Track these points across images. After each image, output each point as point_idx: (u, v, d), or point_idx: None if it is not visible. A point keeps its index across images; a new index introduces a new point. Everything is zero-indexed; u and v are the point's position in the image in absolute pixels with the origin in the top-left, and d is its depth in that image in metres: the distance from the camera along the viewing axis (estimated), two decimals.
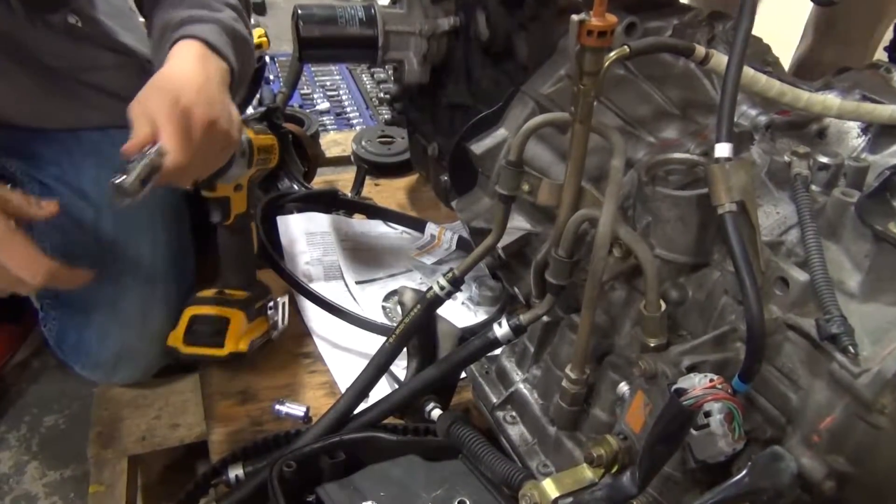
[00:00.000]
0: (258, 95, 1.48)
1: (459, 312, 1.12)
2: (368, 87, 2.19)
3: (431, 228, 1.30)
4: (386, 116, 1.38)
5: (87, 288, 0.88)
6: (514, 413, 0.83)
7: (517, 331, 0.75)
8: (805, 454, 0.58)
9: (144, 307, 0.95)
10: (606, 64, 0.61)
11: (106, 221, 0.94)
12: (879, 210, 0.57)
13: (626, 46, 0.63)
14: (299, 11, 0.99)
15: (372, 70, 2.26)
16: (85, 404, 1.17)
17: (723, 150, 0.60)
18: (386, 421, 0.86)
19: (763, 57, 0.84)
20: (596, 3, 0.57)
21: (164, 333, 0.96)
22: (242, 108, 1.43)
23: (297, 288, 1.09)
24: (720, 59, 0.65)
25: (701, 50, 0.65)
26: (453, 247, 1.27)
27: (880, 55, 0.88)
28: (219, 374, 1.02)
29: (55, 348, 0.98)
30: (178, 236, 1.01)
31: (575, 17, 0.58)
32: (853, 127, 0.73)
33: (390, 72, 1.99)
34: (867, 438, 0.55)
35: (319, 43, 1.01)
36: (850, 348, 0.54)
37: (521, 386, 0.83)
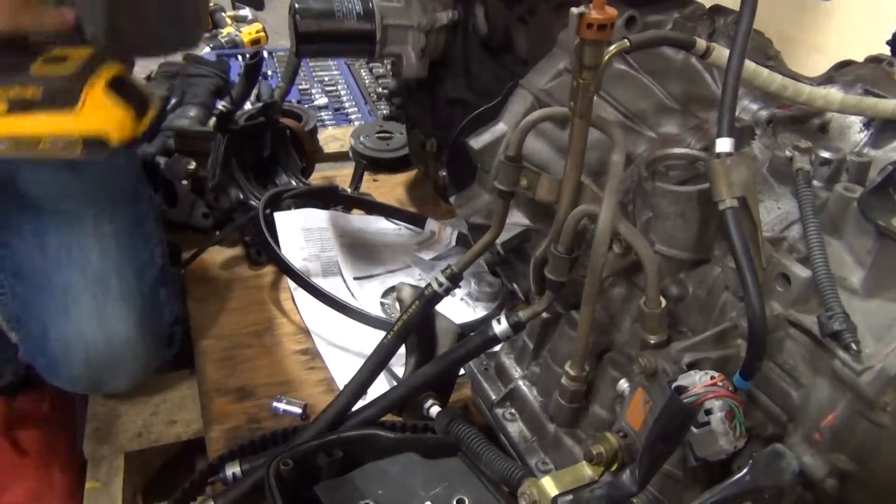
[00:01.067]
0: (256, 91, 1.48)
1: (458, 309, 1.12)
2: (367, 82, 2.18)
3: (431, 224, 1.29)
4: (384, 112, 1.37)
5: (40, 304, 0.86)
6: (513, 410, 0.83)
7: (516, 327, 0.74)
8: (807, 452, 0.58)
9: (99, 309, 0.89)
10: (606, 58, 0.60)
11: (48, 228, 0.88)
12: (882, 205, 0.56)
13: (626, 40, 0.62)
14: (296, 6, 0.98)
15: (371, 65, 2.24)
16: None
17: (724, 144, 0.59)
18: (384, 418, 0.86)
19: (765, 51, 0.83)
20: None
21: (132, 334, 0.91)
22: (240, 102, 1.42)
23: (298, 281, 1.08)
24: (721, 53, 0.64)
25: (702, 43, 0.65)
26: (453, 243, 1.26)
27: (883, 49, 0.86)
28: (216, 370, 1.01)
29: (41, 374, 0.94)
30: (132, 226, 0.94)
31: (574, 10, 0.57)
32: (855, 121, 0.73)
33: (389, 67, 1.98)
34: (869, 436, 0.54)
35: (316, 37, 1.00)
36: (853, 345, 0.54)
37: (521, 383, 0.83)
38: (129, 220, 0.94)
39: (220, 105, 1.26)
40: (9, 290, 0.90)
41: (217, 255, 1.25)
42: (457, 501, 0.72)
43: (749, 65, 0.65)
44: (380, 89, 2.09)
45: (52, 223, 0.88)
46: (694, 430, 0.56)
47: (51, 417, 1.04)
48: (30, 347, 0.93)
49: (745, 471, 0.54)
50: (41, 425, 1.02)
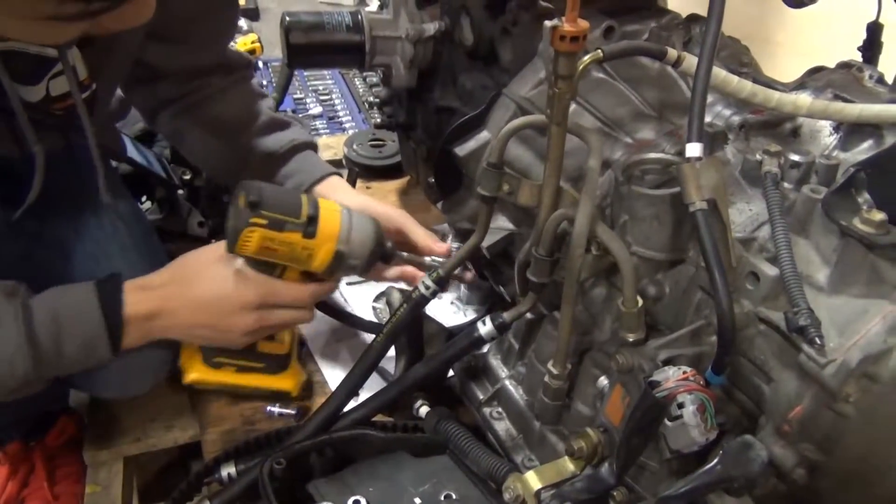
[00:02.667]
0: None
1: (448, 312, 1.14)
2: (361, 90, 2.20)
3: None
4: (378, 120, 1.40)
5: None
6: (500, 409, 0.85)
7: (501, 328, 0.77)
8: (777, 443, 0.60)
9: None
10: (580, 68, 0.62)
11: (68, 236, 0.93)
12: (845, 206, 0.59)
13: (599, 51, 0.65)
14: (287, 18, 1.01)
15: (364, 74, 2.27)
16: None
17: (694, 149, 0.62)
18: (375, 418, 0.88)
19: (739, 58, 0.86)
20: (568, 8, 0.59)
21: (159, 353, 0.93)
22: None
23: None
24: (692, 61, 0.66)
25: (673, 53, 0.67)
26: None
27: (854, 55, 0.89)
28: None
29: (73, 384, 0.97)
30: (146, 235, 1.01)
31: (548, 23, 0.60)
32: (826, 125, 0.75)
33: (380, 76, 2.01)
34: (834, 427, 0.57)
35: (307, 49, 1.02)
36: (817, 340, 0.56)
37: (507, 382, 0.85)
38: (143, 229, 1.00)
39: None
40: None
41: None
42: (444, 497, 0.74)
43: (719, 72, 0.68)
44: (372, 98, 2.11)
45: (75, 233, 0.91)
46: (668, 423, 0.58)
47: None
48: None
49: (715, 461, 0.56)
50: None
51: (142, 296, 0.76)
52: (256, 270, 0.78)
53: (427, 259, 0.91)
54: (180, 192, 1.26)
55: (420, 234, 0.92)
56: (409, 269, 0.91)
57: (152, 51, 0.92)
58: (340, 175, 0.97)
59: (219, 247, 0.78)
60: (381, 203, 0.94)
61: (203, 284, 0.78)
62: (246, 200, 0.74)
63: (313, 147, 0.99)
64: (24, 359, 0.70)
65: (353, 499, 0.72)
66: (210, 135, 0.98)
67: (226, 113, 0.98)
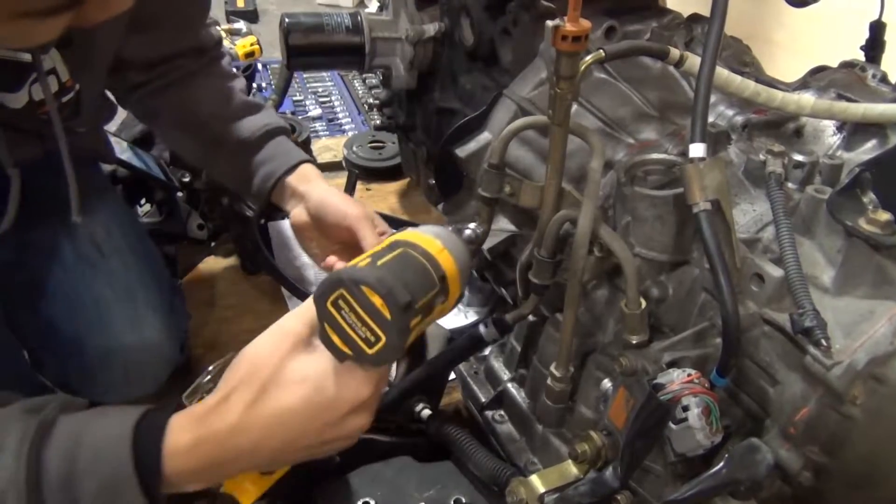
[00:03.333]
0: None
1: (450, 314, 1.13)
2: (360, 92, 2.20)
3: None
4: (377, 121, 1.40)
5: (71, 318, 0.88)
6: (502, 412, 0.85)
7: (502, 330, 0.76)
8: (783, 446, 0.60)
9: (132, 317, 0.93)
10: (582, 68, 0.62)
11: (63, 243, 0.92)
12: (850, 206, 0.59)
13: (601, 50, 0.64)
14: (286, 20, 1.01)
15: (364, 75, 2.27)
16: None
17: (697, 150, 0.61)
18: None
19: (741, 58, 0.86)
20: (570, 8, 0.58)
21: (162, 339, 0.94)
22: None
23: (291, 289, 1.10)
24: (694, 62, 0.66)
25: (675, 52, 0.67)
26: None
27: (856, 54, 0.89)
28: None
29: (58, 386, 0.95)
30: (141, 238, 1.01)
31: (550, 23, 0.60)
32: (829, 125, 0.75)
33: (380, 77, 2.00)
34: (840, 429, 0.56)
35: (307, 51, 1.02)
36: (823, 341, 0.55)
37: (509, 385, 0.85)
38: (137, 232, 1.00)
39: None
40: (28, 310, 0.91)
41: (212, 264, 1.27)
42: (454, 502, 0.74)
43: (722, 72, 0.67)
44: (372, 99, 2.11)
45: (66, 238, 0.91)
46: (672, 426, 0.58)
47: None
48: (60, 363, 0.94)
49: (721, 464, 0.56)
50: None
51: (187, 421, 0.56)
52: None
53: None
54: (179, 194, 1.26)
55: (370, 242, 0.80)
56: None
57: (125, 40, 0.89)
58: (312, 162, 0.93)
59: (284, 334, 0.57)
60: (340, 195, 0.86)
61: (289, 391, 0.55)
62: (393, 304, 0.53)
63: (286, 132, 0.95)
64: (17, 499, 0.50)
65: (361, 501, 0.72)
66: (181, 118, 0.96)
67: (196, 96, 0.95)
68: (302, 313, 0.58)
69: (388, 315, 0.53)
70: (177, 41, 0.94)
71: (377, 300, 0.53)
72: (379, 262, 0.56)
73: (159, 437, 0.54)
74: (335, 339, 0.55)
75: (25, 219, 0.79)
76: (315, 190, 0.87)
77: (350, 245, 0.83)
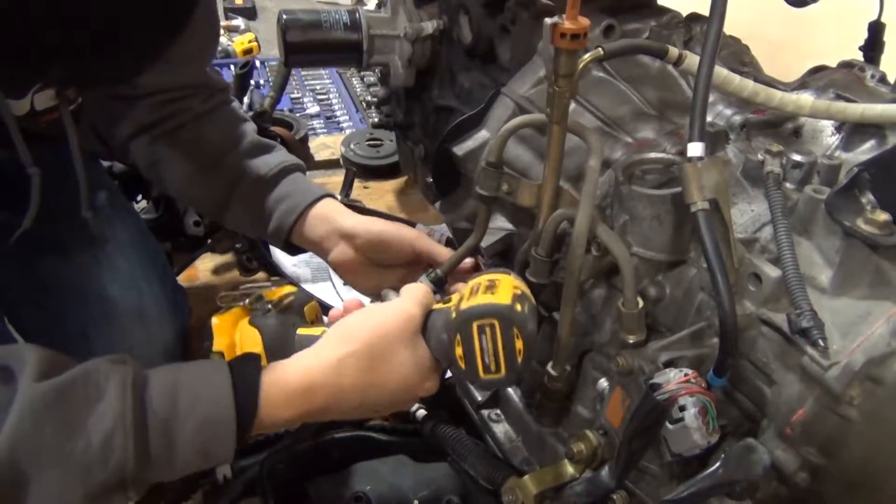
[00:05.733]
0: (247, 100, 1.50)
1: None
2: (358, 90, 2.20)
3: (421, 229, 1.31)
4: (375, 119, 1.39)
5: (77, 314, 0.89)
6: (498, 411, 0.85)
7: None
8: (779, 447, 0.59)
9: (138, 312, 0.94)
10: (580, 66, 0.62)
11: (66, 240, 0.92)
12: (848, 206, 0.58)
13: (599, 48, 0.64)
14: (284, 17, 1.00)
15: (362, 73, 2.27)
16: None
17: (695, 149, 0.61)
18: (374, 421, 0.87)
19: (740, 57, 0.85)
20: (568, 6, 0.58)
21: (167, 335, 0.95)
22: None
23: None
24: (693, 61, 0.66)
25: (674, 51, 0.67)
26: None
27: (855, 54, 0.89)
28: None
29: None
30: (143, 234, 1.01)
31: (548, 21, 0.59)
32: (828, 125, 0.74)
33: (378, 75, 2.01)
34: (837, 430, 0.56)
35: (305, 48, 1.02)
36: (820, 342, 0.55)
37: None
38: (139, 228, 1.00)
39: None
40: (32, 305, 0.91)
41: (209, 261, 1.26)
42: (446, 502, 0.74)
43: (721, 71, 0.67)
44: (370, 97, 2.11)
45: (71, 234, 0.91)
46: (669, 425, 0.58)
47: None
48: None
49: (717, 464, 0.56)
50: None
51: (298, 375, 0.61)
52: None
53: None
54: None
55: (442, 252, 0.85)
56: None
57: None
58: (335, 197, 0.92)
59: (409, 318, 0.65)
60: (387, 223, 0.87)
61: (395, 371, 0.64)
62: (528, 355, 0.63)
63: (302, 169, 0.94)
64: (123, 440, 0.52)
65: (353, 493, 0.72)
66: (192, 160, 0.92)
67: (208, 137, 0.92)
68: (422, 300, 0.67)
69: (519, 359, 0.62)
70: (184, 73, 0.91)
71: (519, 344, 0.62)
72: (518, 307, 0.62)
73: (256, 384, 0.58)
74: (458, 350, 0.63)
75: (38, 215, 0.80)
76: (351, 220, 0.86)
77: (407, 265, 0.85)
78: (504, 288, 0.64)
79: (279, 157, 0.93)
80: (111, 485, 0.52)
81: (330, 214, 0.87)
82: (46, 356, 0.55)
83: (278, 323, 0.70)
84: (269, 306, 0.73)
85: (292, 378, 0.60)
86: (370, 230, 0.85)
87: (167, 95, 0.91)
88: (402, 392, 0.65)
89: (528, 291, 0.66)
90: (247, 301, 0.73)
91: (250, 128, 0.96)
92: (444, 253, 0.85)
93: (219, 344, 0.74)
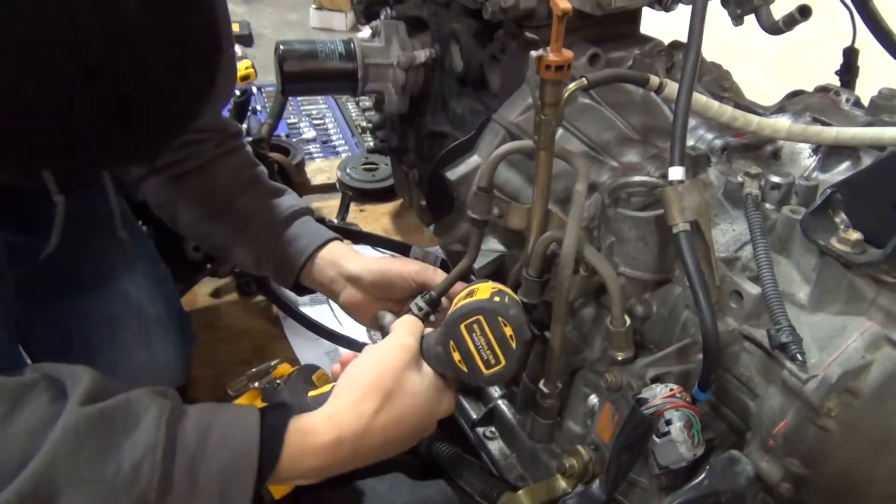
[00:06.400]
0: (245, 126, 1.53)
1: None
2: (354, 115, 2.24)
3: (416, 252, 1.34)
4: (371, 144, 1.42)
5: (83, 333, 0.91)
6: (493, 428, 0.86)
7: None
8: (763, 458, 0.62)
9: (143, 335, 0.96)
10: (565, 95, 0.65)
11: (80, 258, 0.94)
12: (822, 226, 0.61)
13: (584, 78, 0.67)
14: (281, 47, 1.03)
15: (357, 98, 2.31)
16: None
17: (676, 173, 0.64)
18: None
19: (721, 83, 0.89)
20: (552, 39, 0.61)
21: (170, 357, 0.97)
22: None
23: (286, 310, 1.12)
24: (673, 88, 0.69)
25: (655, 80, 0.70)
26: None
27: (831, 79, 0.92)
28: (207, 399, 1.04)
29: None
30: (153, 260, 1.04)
31: (534, 53, 0.62)
32: (805, 148, 0.77)
33: (372, 101, 2.04)
34: (818, 441, 0.58)
35: (301, 77, 1.05)
36: (799, 356, 0.58)
37: (500, 402, 0.86)
38: (149, 253, 1.03)
39: None
40: (42, 324, 0.93)
41: (208, 285, 1.28)
42: None
43: (700, 98, 0.70)
44: (365, 122, 2.15)
45: (84, 257, 0.93)
46: (656, 439, 0.60)
47: None
48: None
49: (702, 476, 0.58)
50: None
51: (325, 423, 0.62)
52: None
53: None
54: None
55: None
56: None
57: None
58: (342, 240, 0.94)
59: (405, 349, 0.67)
60: (390, 261, 0.91)
61: (407, 402, 0.66)
62: (521, 337, 0.66)
63: (310, 213, 0.97)
64: (151, 470, 0.54)
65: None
66: (202, 203, 0.94)
67: (219, 180, 0.95)
68: (413, 329, 0.70)
69: (514, 345, 0.65)
70: (202, 121, 0.91)
71: (509, 331, 0.65)
72: (496, 299, 0.65)
73: (282, 429, 0.60)
74: (455, 355, 0.65)
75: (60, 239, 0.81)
76: (358, 262, 0.89)
77: (412, 297, 0.87)
78: (482, 290, 0.68)
79: (290, 200, 0.95)
80: None
81: (336, 259, 0.90)
82: (98, 381, 0.57)
83: (290, 393, 0.73)
84: (279, 382, 0.76)
85: (321, 428, 0.61)
86: (373, 271, 0.88)
87: (182, 139, 0.93)
88: (422, 420, 0.67)
89: (506, 289, 0.69)
90: (256, 384, 0.76)
91: (262, 171, 0.98)
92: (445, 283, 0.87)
93: None
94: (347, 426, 0.62)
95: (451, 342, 0.65)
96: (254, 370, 0.77)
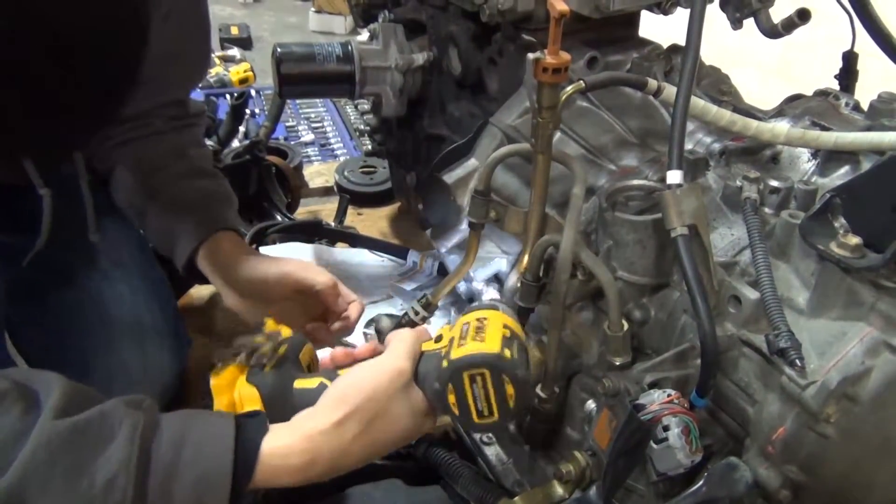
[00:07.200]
0: (243, 129, 1.52)
1: None
2: (352, 118, 2.24)
3: (413, 255, 1.33)
4: (369, 147, 1.42)
5: (79, 337, 0.90)
6: (490, 434, 0.86)
7: None
8: (762, 465, 0.61)
9: (138, 340, 0.96)
10: (563, 98, 0.64)
11: (74, 264, 0.94)
12: (821, 230, 0.60)
13: (581, 81, 0.67)
14: (278, 50, 1.03)
15: (356, 101, 2.31)
16: None
17: (674, 176, 0.63)
18: None
19: (719, 86, 0.89)
20: (550, 42, 0.61)
21: (166, 363, 0.97)
22: (227, 141, 1.47)
23: None
24: (671, 92, 0.68)
25: (653, 83, 0.69)
26: (434, 273, 1.30)
27: (831, 83, 0.92)
28: (199, 398, 1.03)
29: None
30: (148, 264, 1.03)
31: (531, 56, 0.62)
32: (804, 152, 0.77)
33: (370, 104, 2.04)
34: (816, 448, 0.58)
35: (299, 80, 1.04)
36: (798, 362, 0.57)
37: None
38: (146, 257, 1.02)
39: (208, 144, 1.30)
40: (35, 327, 0.93)
41: (204, 289, 1.27)
42: None
43: (698, 102, 0.70)
44: (363, 125, 2.15)
45: (77, 258, 0.92)
46: (653, 445, 0.59)
47: None
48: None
49: (700, 482, 0.57)
50: None
51: (300, 444, 0.61)
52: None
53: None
54: None
55: (321, 279, 0.87)
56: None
57: None
58: (241, 234, 0.93)
59: (399, 373, 0.65)
60: (267, 261, 0.89)
61: (393, 424, 0.64)
62: (521, 401, 0.63)
63: (230, 202, 0.95)
64: (125, 485, 0.53)
65: None
66: (134, 170, 0.94)
67: (153, 151, 0.94)
68: (409, 352, 0.67)
69: (511, 405, 0.63)
70: (164, 97, 0.94)
71: (510, 390, 0.62)
72: (507, 353, 0.62)
73: (257, 445, 0.59)
74: (451, 398, 0.63)
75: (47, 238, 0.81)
76: (239, 274, 0.86)
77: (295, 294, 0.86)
78: (493, 331, 0.64)
79: (210, 185, 0.94)
80: None
81: (216, 257, 0.88)
82: (71, 391, 0.56)
83: (276, 379, 0.72)
84: (265, 360, 0.75)
85: (295, 448, 0.60)
86: (248, 279, 0.86)
87: (142, 115, 0.94)
88: (403, 440, 0.66)
89: (517, 329, 0.66)
90: (242, 357, 0.75)
91: (202, 153, 0.98)
92: (324, 280, 0.87)
93: (219, 404, 0.75)
94: (326, 447, 0.60)
95: (450, 385, 0.63)
96: (240, 340, 0.76)
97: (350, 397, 0.62)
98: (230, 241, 0.90)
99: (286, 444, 0.60)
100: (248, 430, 0.59)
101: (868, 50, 0.88)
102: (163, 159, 0.94)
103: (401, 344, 0.67)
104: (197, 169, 0.95)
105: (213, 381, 0.79)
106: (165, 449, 0.56)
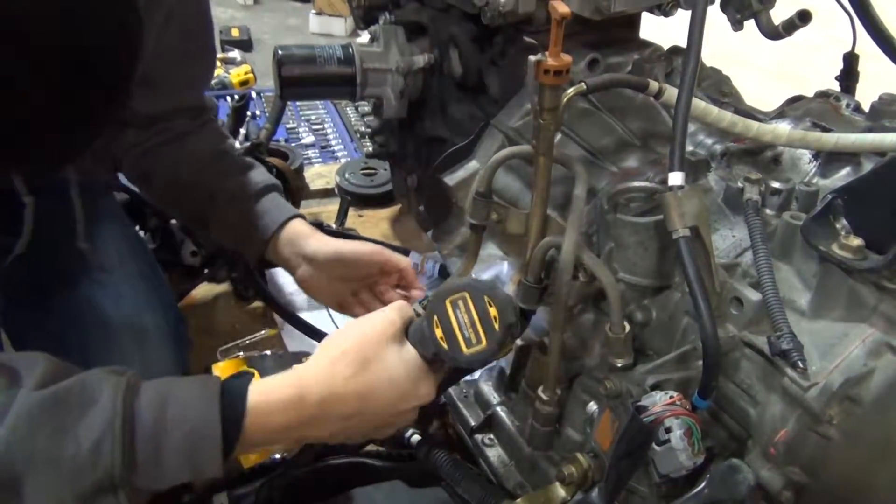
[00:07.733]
0: (244, 131, 1.52)
1: None
2: (353, 119, 2.24)
3: (414, 257, 1.33)
4: (369, 149, 1.42)
5: (78, 339, 0.90)
6: (491, 436, 0.86)
7: None
8: (764, 467, 0.61)
9: (138, 342, 0.95)
10: (564, 100, 0.64)
11: (73, 264, 0.95)
12: (823, 232, 0.60)
13: (583, 83, 0.67)
14: (279, 52, 1.03)
15: (356, 103, 2.31)
16: None
17: (676, 178, 0.63)
18: (369, 447, 0.88)
19: (720, 88, 0.89)
20: (551, 44, 0.61)
21: (167, 366, 0.95)
22: None
23: (284, 315, 1.11)
24: (672, 93, 0.68)
25: (654, 85, 0.69)
26: (435, 275, 1.30)
27: (832, 84, 0.92)
28: None
29: None
30: (150, 265, 1.04)
31: (532, 58, 0.62)
32: (805, 153, 0.77)
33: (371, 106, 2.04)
34: (819, 449, 0.58)
35: (299, 82, 1.04)
36: (800, 363, 0.57)
37: (499, 409, 0.86)
38: (146, 259, 1.02)
39: None
40: (34, 328, 0.93)
41: (206, 291, 1.28)
42: None
43: (699, 104, 0.70)
44: (364, 127, 2.15)
45: (77, 261, 0.92)
46: (656, 447, 0.59)
47: None
48: None
49: (702, 484, 0.57)
50: None
51: (288, 380, 0.61)
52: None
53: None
54: (173, 221, 1.27)
55: (400, 260, 0.92)
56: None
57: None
58: (304, 218, 0.96)
59: (389, 322, 0.65)
60: (345, 242, 0.93)
61: (385, 370, 0.63)
62: (504, 319, 0.64)
63: (279, 189, 0.99)
64: (112, 445, 0.53)
65: None
66: (176, 175, 0.97)
67: (193, 152, 0.97)
68: (401, 308, 0.68)
69: (496, 326, 0.64)
70: (181, 99, 0.97)
71: (493, 311, 0.64)
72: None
73: (244, 391, 0.58)
74: (438, 332, 0.64)
75: (37, 241, 0.82)
76: (319, 246, 0.91)
77: (367, 281, 0.91)
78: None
79: (258, 175, 0.98)
80: (100, 489, 0.53)
81: (294, 237, 0.92)
82: (54, 366, 0.57)
83: (276, 363, 0.72)
84: (268, 352, 0.76)
85: (282, 384, 0.60)
86: (327, 250, 0.90)
87: (158, 118, 0.96)
88: (398, 399, 0.64)
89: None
90: (243, 354, 0.76)
91: (231, 145, 1.02)
92: (402, 261, 0.92)
93: None
94: (315, 384, 0.60)
95: (435, 317, 0.64)
96: (244, 340, 0.77)
97: (341, 344, 0.63)
98: (306, 227, 0.94)
99: (274, 380, 0.60)
100: (233, 383, 0.60)
101: (869, 51, 0.88)
102: (207, 159, 0.97)
103: (392, 305, 0.69)
104: (243, 162, 0.99)
105: (215, 372, 0.80)
106: (150, 408, 0.56)
